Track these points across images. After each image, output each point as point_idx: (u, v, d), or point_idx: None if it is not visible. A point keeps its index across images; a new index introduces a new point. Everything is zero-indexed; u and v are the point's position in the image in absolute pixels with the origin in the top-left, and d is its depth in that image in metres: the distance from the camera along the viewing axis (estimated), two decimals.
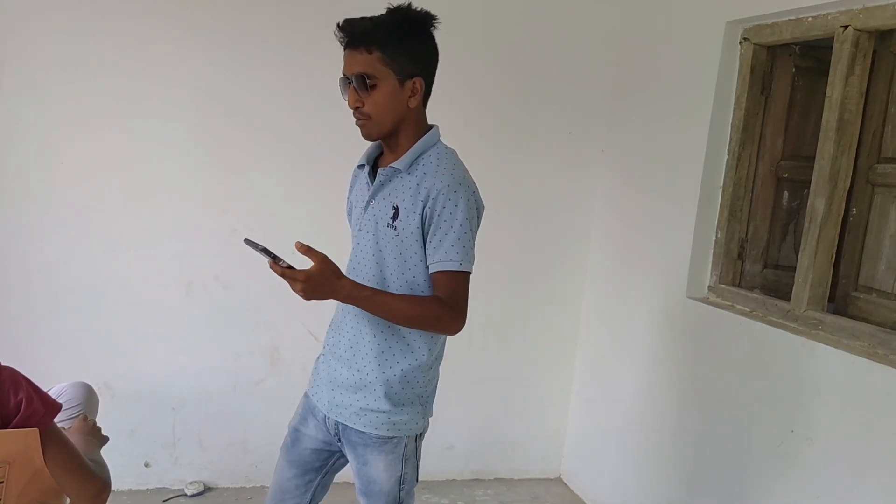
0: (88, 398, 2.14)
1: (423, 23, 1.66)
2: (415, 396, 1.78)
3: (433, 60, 1.72)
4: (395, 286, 1.71)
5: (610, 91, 3.29)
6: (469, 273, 1.69)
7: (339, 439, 1.84)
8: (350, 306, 1.74)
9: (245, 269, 2.91)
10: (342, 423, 1.80)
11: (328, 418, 1.83)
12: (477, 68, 3.14)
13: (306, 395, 1.94)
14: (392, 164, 1.70)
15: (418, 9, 1.67)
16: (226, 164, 2.99)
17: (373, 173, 1.79)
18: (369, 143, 1.83)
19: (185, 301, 3.03)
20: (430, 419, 1.86)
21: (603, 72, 3.28)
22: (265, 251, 1.54)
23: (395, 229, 1.68)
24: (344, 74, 1.67)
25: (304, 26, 2.90)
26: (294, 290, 1.55)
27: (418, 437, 1.83)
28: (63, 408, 1.77)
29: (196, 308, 3.04)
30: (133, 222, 2.93)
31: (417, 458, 1.84)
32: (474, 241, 1.71)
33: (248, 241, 1.59)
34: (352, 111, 1.69)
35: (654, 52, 3.04)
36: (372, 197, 1.74)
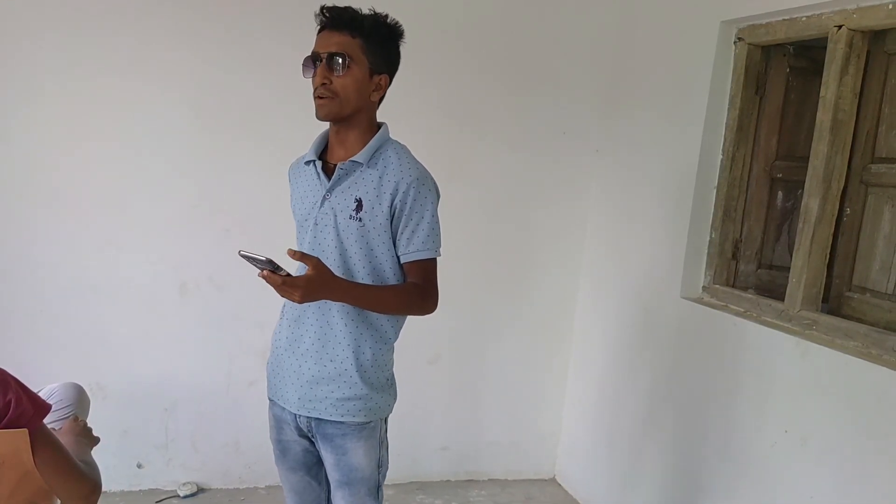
0: (79, 399, 2.13)
1: (398, 33, 1.80)
2: (384, 379, 1.85)
3: (397, 68, 1.83)
4: (361, 275, 1.77)
5: (604, 91, 3.29)
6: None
7: (313, 435, 1.85)
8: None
9: (239, 270, 2.88)
10: (316, 418, 1.81)
11: (299, 416, 1.84)
12: (472, 68, 3.14)
13: (271, 403, 1.93)
14: (352, 159, 1.76)
15: (395, 21, 1.80)
16: (219, 165, 2.98)
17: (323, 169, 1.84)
18: (315, 139, 1.88)
19: (178, 301, 3.02)
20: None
21: (597, 72, 3.27)
22: (269, 262, 1.50)
23: (360, 220, 1.75)
24: (315, 52, 1.73)
25: (299, 26, 2.87)
26: (290, 296, 1.57)
27: (386, 420, 1.90)
28: (53, 408, 1.76)
29: (189, 308, 3.03)
30: (126, 222, 2.92)
31: (387, 440, 1.91)
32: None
33: (243, 255, 1.51)
34: (314, 89, 1.73)
35: (649, 52, 3.04)
36: (329, 191, 1.79)
